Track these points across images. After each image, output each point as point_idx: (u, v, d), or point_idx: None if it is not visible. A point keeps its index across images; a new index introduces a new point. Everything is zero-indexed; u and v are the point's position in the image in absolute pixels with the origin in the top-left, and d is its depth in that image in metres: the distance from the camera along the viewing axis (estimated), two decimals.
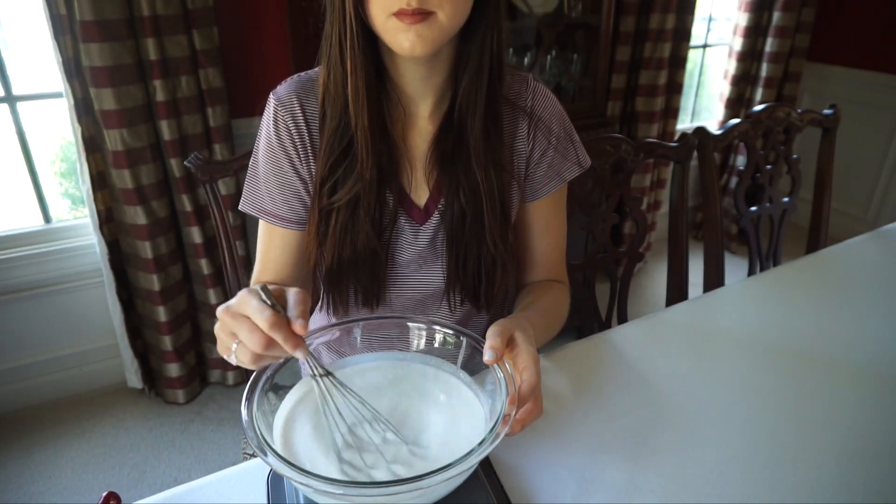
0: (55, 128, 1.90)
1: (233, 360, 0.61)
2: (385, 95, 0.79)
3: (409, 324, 0.75)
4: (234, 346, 0.59)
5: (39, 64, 1.73)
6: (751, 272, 1.46)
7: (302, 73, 0.83)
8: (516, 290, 0.97)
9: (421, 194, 0.84)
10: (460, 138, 0.80)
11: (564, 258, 0.96)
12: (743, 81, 2.79)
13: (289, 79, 0.83)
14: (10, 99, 1.70)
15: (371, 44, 0.73)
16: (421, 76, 0.78)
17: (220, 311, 0.59)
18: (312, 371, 0.62)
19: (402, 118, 0.82)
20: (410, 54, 0.68)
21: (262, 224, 0.86)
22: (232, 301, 0.59)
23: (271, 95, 0.82)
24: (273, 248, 0.86)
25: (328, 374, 0.62)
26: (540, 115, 0.86)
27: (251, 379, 0.63)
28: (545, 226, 0.92)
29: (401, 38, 0.67)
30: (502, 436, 0.56)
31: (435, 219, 0.84)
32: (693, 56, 2.85)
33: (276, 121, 0.81)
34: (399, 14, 0.66)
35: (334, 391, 0.62)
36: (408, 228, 0.84)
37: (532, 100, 0.85)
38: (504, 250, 0.84)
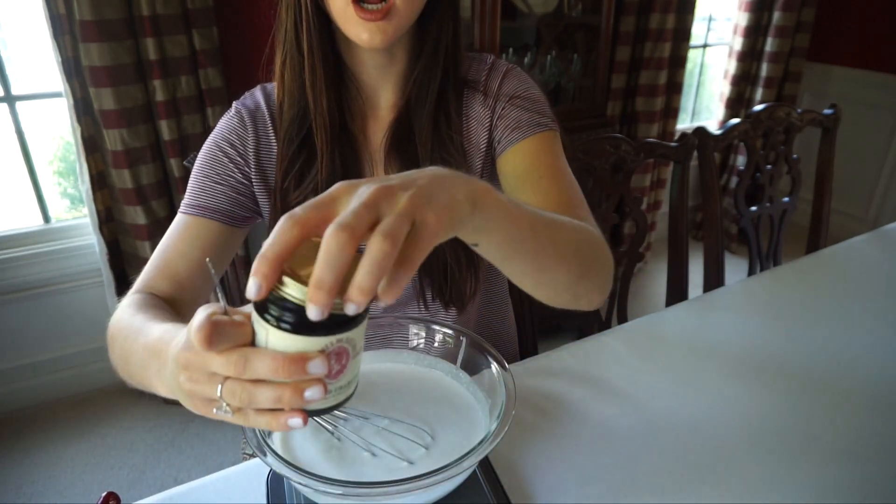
0: (54, 127, 1.90)
1: (223, 414, 0.43)
2: (343, 88, 0.77)
3: (409, 323, 0.75)
4: (219, 388, 0.41)
5: (39, 63, 1.72)
6: (751, 272, 1.46)
7: (268, 83, 0.82)
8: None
9: None
10: (410, 130, 0.77)
11: (586, 206, 0.75)
12: (743, 81, 2.79)
13: (256, 87, 0.82)
14: (10, 98, 1.70)
15: (328, 31, 0.71)
16: (379, 65, 0.76)
17: (175, 355, 0.44)
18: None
19: (362, 111, 0.80)
20: (370, 46, 0.67)
21: (174, 222, 0.77)
22: (177, 343, 0.46)
23: (235, 102, 0.81)
24: (185, 239, 0.75)
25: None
26: (498, 85, 0.81)
27: None
28: (529, 170, 0.77)
29: (359, 30, 0.66)
30: (502, 436, 0.56)
31: None
32: (693, 56, 2.85)
33: (230, 122, 0.79)
34: (357, 5, 0.65)
35: (329, 419, 0.62)
36: None
37: (489, 75, 0.82)
38: (459, 249, 0.80)
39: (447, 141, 0.78)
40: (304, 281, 0.38)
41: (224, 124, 0.80)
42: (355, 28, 0.66)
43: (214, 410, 0.43)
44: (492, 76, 0.81)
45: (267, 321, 0.40)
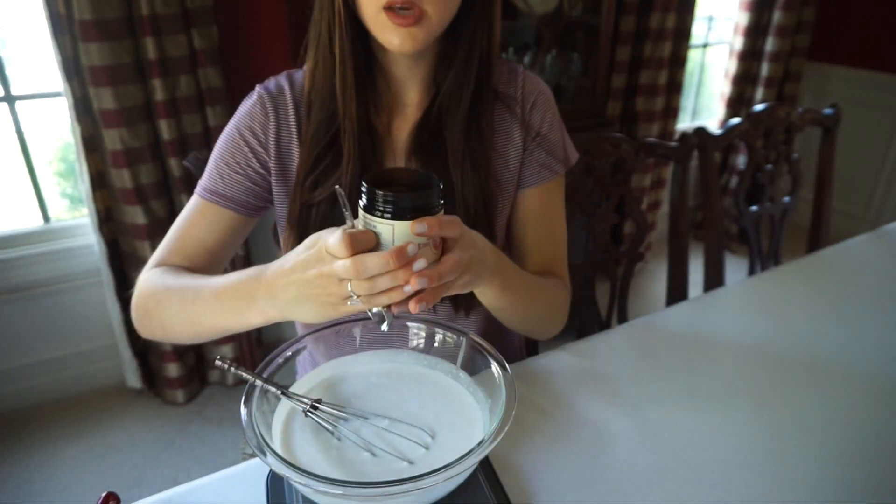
0: (54, 127, 1.90)
1: (354, 305, 0.56)
2: (372, 84, 0.78)
3: (409, 323, 0.75)
4: (349, 285, 0.54)
5: (38, 63, 1.72)
6: (751, 272, 1.46)
7: (294, 70, 0.83)
8: None
9: None
10: (439, 135, 0.79)
11: (565, 258, 0.90)
12: (743, 81, 2.79)
13: (282, 73, 0.83)
14: (10, 98, 1.70)
15: (360, 31, 0.72)
16: (408, 65, 0.78)
17: (302, 277, 0.56)
18: (301, 408, 0.63)
19: (389, 106, 0.81)
20: (400, 51, 0.69)
21: (191, 203, 0.81)
22: (298, 258, 0.57)
23: (258, 86, 0.82)
24: (201, 225, 0.80)
25: (315, 405, 0.63)
26: (532, 104, 0.84)
27: (250, 379, 0.63)
28: (539, 215, 0.87)
29: (390, 36, 0.68)
30: (502, 436, 0.56)
31: None
32: (693, 55, 2.85)
33: (253, 108, 0.80)
34: (389, 11, 0.66)
35: (329, 419, 0.63)
36: None
37: (524, 95, 0.84)
38: None
39: (478, 151, 0.79)
40: (397, 188, 0.55)
41: (246, 110, 0.81)
42: (387, 34, 0.68)
43: (349, 303, 0.56)
44: (526, 97, 0.84)
45: (394, 218, 0.54)
